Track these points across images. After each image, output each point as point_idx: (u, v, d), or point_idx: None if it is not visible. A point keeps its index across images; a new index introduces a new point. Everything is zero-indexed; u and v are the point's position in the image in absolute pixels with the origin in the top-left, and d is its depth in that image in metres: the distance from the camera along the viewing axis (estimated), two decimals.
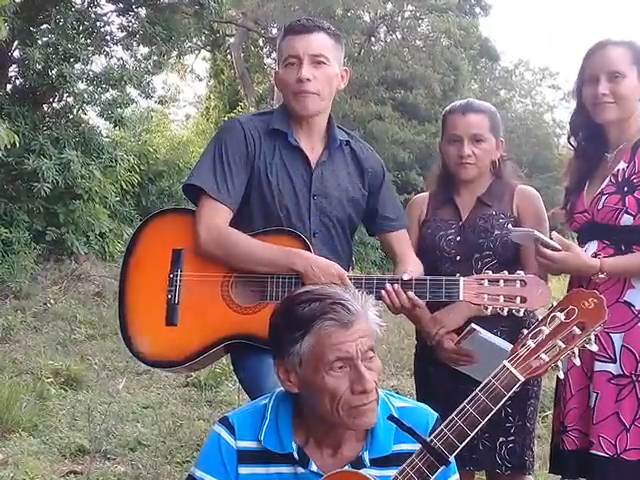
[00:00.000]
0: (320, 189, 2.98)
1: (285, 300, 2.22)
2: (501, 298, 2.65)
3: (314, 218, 2.96)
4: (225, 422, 2.22)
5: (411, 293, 2.74)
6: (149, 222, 3.05)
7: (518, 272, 2.72)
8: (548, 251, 2.77)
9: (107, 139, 12.75)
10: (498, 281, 2.67)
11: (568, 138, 3.19)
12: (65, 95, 12.19)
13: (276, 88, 3.07)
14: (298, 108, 2.93)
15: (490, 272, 2.76)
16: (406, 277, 2.79)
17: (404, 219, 3.19)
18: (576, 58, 3.06)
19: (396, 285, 2.75)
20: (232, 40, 22.71)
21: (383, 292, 2.75)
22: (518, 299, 2.64)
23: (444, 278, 2.76)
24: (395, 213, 3.15)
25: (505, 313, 2.66)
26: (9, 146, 7.45)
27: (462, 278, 2.72)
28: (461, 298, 2.70)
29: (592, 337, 2.13)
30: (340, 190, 3.02)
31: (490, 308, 2.67)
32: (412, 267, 2.95)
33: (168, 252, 2.91)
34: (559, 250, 2.77)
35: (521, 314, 2.66)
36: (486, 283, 2.68)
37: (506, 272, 2.73)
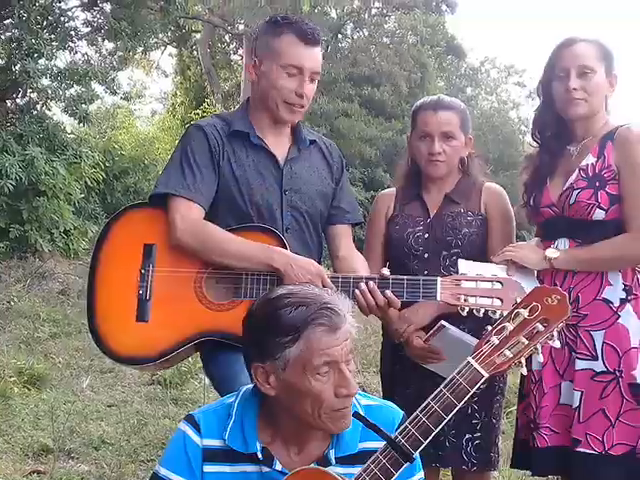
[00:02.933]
0: (291, 185, 2.98)
1: (264, 302, 2.17)
2: (478, 299, 2.66)
3: (286, 214, 2.96)
4: (191, 420, 2.21)
5: (389, 292, 2.74)
6: (119, 217, 3.03)
7: (493, 274, 2.74)
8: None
9: (72, 135, 12.65)
10: (475, 282, 2.68)
11: (532, 134, 3.20)
12: (29, 91, 12.13)
13: (251, 79, 2.99)
14: (287, 117, 2.95)
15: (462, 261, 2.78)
16: (386, 272, 2.79)
17: (357, 215, 3.21)
18: (541, 56, 3.08)
19: (371, 283, 2.74)
20: (198, 36, 22.64)
21: (357, 291, 2.74)
22: (494, 300, 2.65)
23: (421, 278, 2.77)
24: (350, 207, 3.17)
25: (481, 314, 2.67)
26: None
27: (439, 278, 2.72)
28: (438, 298, 2.71)
29: (555, 333, 2.15)
30: (310, 185, 3.03)
31: (467, 309, 2.67)
32: (361, 265, 3.01)
33: (139, 247, 2.90)
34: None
35: (497, 315, 2.65)
36: (463, 284, 2.69)
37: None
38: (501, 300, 2.64)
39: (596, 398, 2.83)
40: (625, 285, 2.88)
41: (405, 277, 2.78)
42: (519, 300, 2.54)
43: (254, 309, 2.18)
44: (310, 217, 3.03)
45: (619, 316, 2.86)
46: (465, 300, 2.67)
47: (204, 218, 2.89)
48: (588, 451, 2.81)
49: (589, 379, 2.85)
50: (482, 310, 2.66)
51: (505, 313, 2.67)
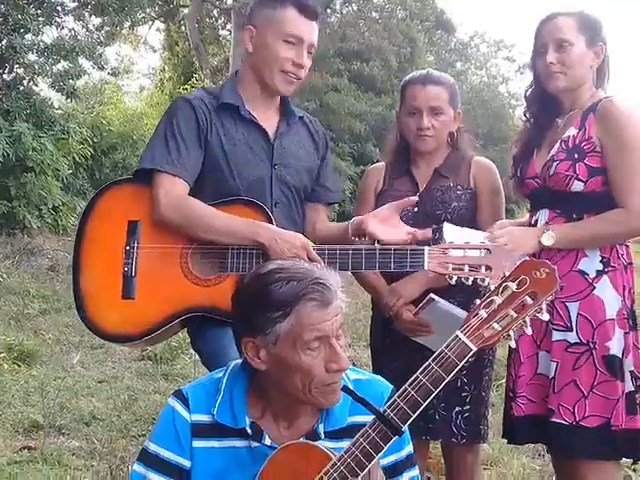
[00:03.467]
0: (281, 159, 2.98)
1: (255, 278, 2.17)
2: (466, 267, 2.63)
3: (275, 188, 2.95)
4: (179, 395, 2.21)
5: None
6: (103, 193, 3.01)
7: (481, 242, 2.73)
8: (489, 236, 2.80)
9: (59, 111, 12.59)
10: (463, 250, 2.66)
11: (524, 112, 3.20)
12: (15, 66, 12.06)
13: (247, 50, 2.97)
14: (281, 87, 2.94)
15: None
16: (377, 245, 2.79)
17: (339, 195, 3.24)
18: (531, 30, 3.08)
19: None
20: (186, 11, 22.48)
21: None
22: (483, 268, 2.62)
23: (408, 247, 2.74)
24: (334, 186, 3.19)
25: (470, 282, 2.66)
26: None
27: (426, 247, 2.70)
28: (426, 267, 2.68)
29: (543, 306, 2.15)
30: (298, 160, 3.03)
31: (455, 277, 2.66)
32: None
33: (124, 224, 2.88)
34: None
35: (486, 283, 2.64)
36: (451, 252, 2.66)
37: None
38: (490, 268, 2.62)
39: (569, 369, 2.84)
40: (602, 257, 2.88)
41: (392, 247, 2.76)
42: (508, 267, 2.56)
43: (244, 284, 2.18)
44: (297, 191, 3.03)
45: (594, 287, 2.86)
46: (453, 269, 2.65)
47: (191, 192, 2.87)
48: (561, 421, 2.83)
49: (563, 350, 2.86)
50: (471, 278, 2.64)
51: (494, 281, 2.70)
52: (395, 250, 2.73)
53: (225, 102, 2.95)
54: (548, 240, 2.84)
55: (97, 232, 2.94)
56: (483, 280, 2.63)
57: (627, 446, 2.86)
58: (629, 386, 2.84)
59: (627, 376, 2.85)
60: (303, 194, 3.08)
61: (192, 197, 2.84)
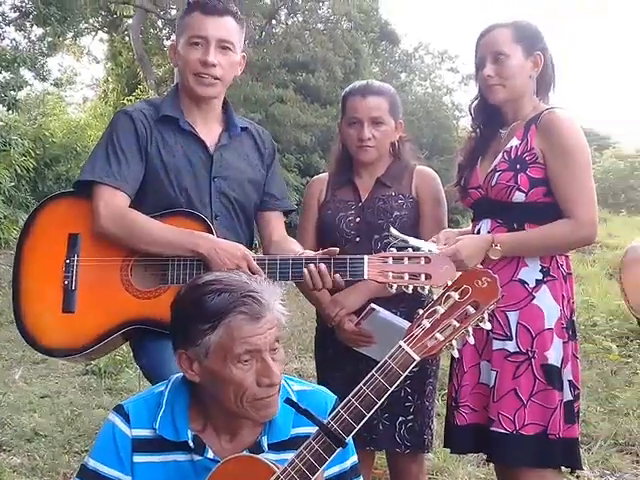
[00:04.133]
0: (220, 172, 2.96)
1: (190, 288, 2.16)
2: (406, 276, 2.62)
3: (215, 200, 2.93)
4: (120, 410, 2.19)
5: (337, 276, 2.70)
6: (44, 206, 2.98)
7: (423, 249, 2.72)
8: (446, 250, 2.79)
9: (0, 123, 12.40)
10: (402, 259, 2.65)
11: (472, 123, 3.23)
12: None
13: (173, 64, 2.99)
14: (199, 90, 2.92)
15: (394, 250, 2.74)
16: (318, 253, 2.77)
17: (288, 202, 3.21)
18: (474, 41, 3.10)
19: (322, 265, 2.70)
20: (130, 21, 22.36)
21: (306, 271, 2.70)
22: (423, 276, 2.61)
23: (348, 257, 2.73)
24: (281, 193, 3.16)
25: (410, 291, 2.64)
26: None
27: (366, 256, 2.69)
28: (365, 277, 2.67)
29: (485, 316, 2.16)
30: (240, 172, 3.01)
31: (395, 286, 2.64)
32: (297, 247, 2.97)
33: (64, 237, 2.85)
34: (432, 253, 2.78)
35: (426, 292, 2.66)
36: (390, 261, 2.65)
37: (410, 250, 2.71)
38: (429, 276, 2.61)
39: (509, 378, 2.87)
40: (542, 267, 2.91)
41: (332, 256, 2.75)
42: (447, 275, 2.57)
43: (180, 295, 2.17)
44: (240, 204, 3.01)
45: (534, 297, 2.89)
46: (393, 277, 2.64)
47: (132, 204, 2.85)
48: (501, 430, 2.84)
49: (503, 359, 2.88)
50: (411, 287, 2.63)
51: (434, 289, 2.70)
52: (335, 260, 2.72)
53: (165, 114, 2.94)
54: (495, 254, 2.86)
55: (37, 246, 2.90)
56: (423, 288, 2.63)
57: (564, 455, 2.89)
58: (567, 395, 2.88)
59: (565, 385, 2.88)
60: (249, 206, 3.06)
61: (133, 209, 2.82)
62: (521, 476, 2.88)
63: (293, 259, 2.76)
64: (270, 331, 2.04)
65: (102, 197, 2.80)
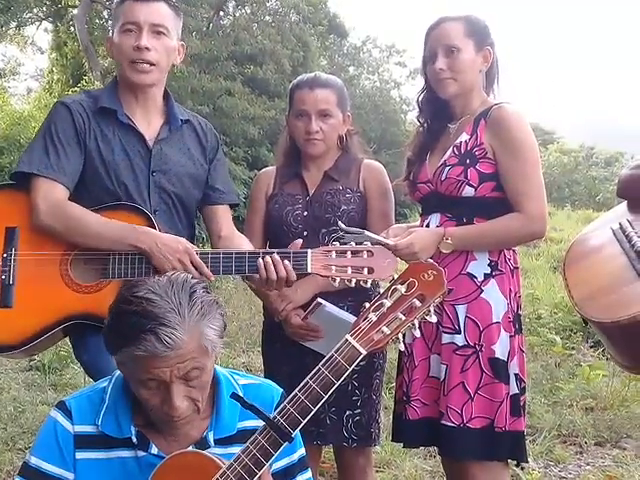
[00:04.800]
0: (159, 166, 2.93)
1: (119, 296, 2.09)
2: (349, 269, 2.63)
3: (153, 195, 2.91)
4: (62, 406, 2.17)
5: (288, 263, 2.68)
6: None
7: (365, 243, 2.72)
8: (400, 242, 2.80)
9: None
10: (345, 252, 2.66)
11: (417, 116, 3.24)
12: None
13: (110, 56, 2.96)
14: (134, 78, 2.88)
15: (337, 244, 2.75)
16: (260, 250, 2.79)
17: (233, 196, 3.19)
18: (421, 36, 3.11)
19: (276, 256, 2.69)
20: (75, 11, 22.08)
21: (261, 262, 2.68)
22: (365, 270, 2.63)
23: (292, 250, 2.73)
24: (225, 187, 3.13)
25: (353, 284, 2.66)
26: None
27: (309, 250, 2.69)
28: (309, 270, 2.68)
29: (432, 309, 2.17)
30: (180, 167, 2.99)
31: (338, 280, 2.65)
32: (245, 243, 2.98)
33: (1, 230, 2.81)
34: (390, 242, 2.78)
35: (368, 285, 2.67)
36: (333, 255, 2.66)
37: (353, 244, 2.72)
38: (372, 270, 2.63)
39: (457, 371, 2.89)
40: (491, 261, 2.93)
41: (276, 250, 2.74)
42: (389, 269, 2.57)
43: (116, 297, 2.11)
44: (179, 199, 2.99)
45: (482, 290, 2.91)
46: (336, 271, 2.65)
47: (71, 197, 2.82)
48: (449, 424, 2.87)
49: (452, 352, 2.90)
50: (354, 280, 2.64)
51: (382, 282, 2.71)
52: (279, 253, 2.71)
53: (103, 106, 2.91)
54: (446, 248, 2.88)
55: None
56: (365, 282, 2.64)
57: (511, 448, 2.92)
58: (514, 389, 2.91)
59: (512, 379, 2.91)
60: (190, 201, 3.04)
61: (72, 202, 2.78)
62: (468, 469, 2.90)
63: (236, 253, 2.75)
64: (180, 365, 1.96)
65: (40, 190, 2.77)
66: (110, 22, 22.91)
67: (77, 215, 2.75)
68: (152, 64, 2.87)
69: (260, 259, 2.69)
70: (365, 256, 2.65)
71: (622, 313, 2.32)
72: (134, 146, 2.91)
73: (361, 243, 2.70)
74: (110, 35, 2.97)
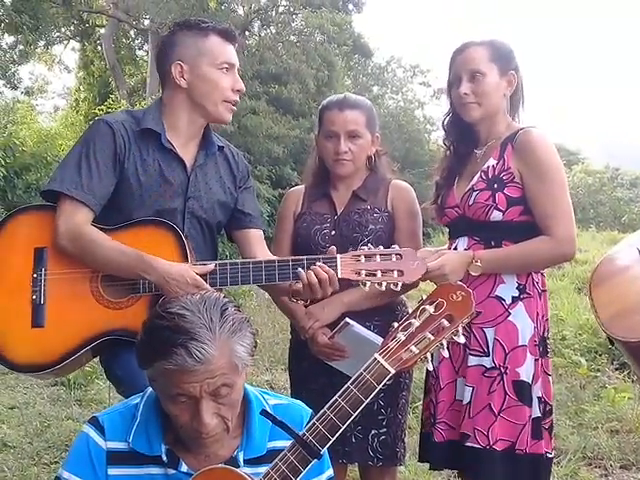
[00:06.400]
0: (194, 192, 2.94)
1: (153, 312, 2.12)
2: (378, 273, 2.62)
3: (187, 221, 2.92)
4: (94, 422, 2.17)
5: (325, 266, 2.68)
6: (10, 219, 2.94)
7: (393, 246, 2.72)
8: (431, 264, 2.81)
9: None
10: (374, 256, 2.65)
11: (443, 139, 3.25)
12: None
13: (179, 80, 2.91)
14: (225, 116, 2.96)
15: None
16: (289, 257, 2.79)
17: (261, 221, 3.18)
18: (445, 56, 3.14)
19: (321, 265, 2.68)
20: (103, 31, 22.28)
21: (312, 276, 2.66)
22: (395, 273, 2.61)
23: (321, 256, 2.73)
24: (254, 212, 3.14)
25: (383, 288, 2.64)
26: None
27: (339, 255, 2.68)
28: (339, 275, 2.66)
29: (460, 329, 2.18)
30: (212, 194, 3.00)
31: (368, 284, 2.64)
32: None
33: (30, 251, 2.82)
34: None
35: (399, 288, 2.65)
36: (363, 259, 2.65)
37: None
38: (402, 272, 2.62)
39: (485, 393, 2.89)
40: (519, 284, 2.94)
41: (305, 257, 2.73)
42: (420, 271, 2.60)
43: (150, 312, 2.16)
44: (208, 225, 3.00)
45: (510, 313, 2.91)
46: (366, 275, 2.64)
47: (101, 214, 2.83)
48: (475, 445, 2.86)
49: (480, 375, 2.90)
50: (384, 284, 2.63)
51: (404, 302, 2.70)
52: (308, 259, 2.71)
53: (147, 128, 2.89)
54: (476, 270, 2.89)
55: (3, 261, 2.85)
56: (396, 285, 2.63)
57: (531, 470, 2.91)
58: (536, 412, 2.90)
59: (535, 402, 2.90)
60: (215, 227, 3.05)
61: (92, 227, 2.78)
62: None
63: (265, 262, 2.75)
64: (210, 380, 1.97)
65: (64, 211, 2.77)
66: (137, 42, 23.19)
67: (92, 243, 2.75)
68: (235, 103, 2.97)
69: (300, 268, 2.69)
70: (394, 259, 2.64)
71: None
72: (173, 171, 2.90)
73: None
74: (180, 63, 2.89)
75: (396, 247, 2.70)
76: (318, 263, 2.69)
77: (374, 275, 2.64)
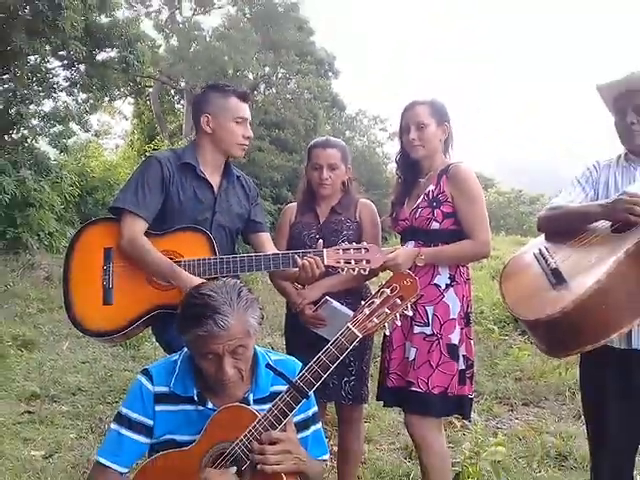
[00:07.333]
0: (220, 208, 2.94)
1: (189, 292, 2.13)
2: (352, 261, 2.66)
3: (214, 228, 2.90)
4: (145, 372, 2.18)
5: (314, 256, 2.70)
6: (85, 229, 2.92)
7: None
8: (388, 255, 2.82)
9: (54, 162, 12.24)
10: (349, 250, 2.69)
11: (396, 170, 3.24)
12: (22, 129, 11.77)
13: (205, 128, 2.92)
14: (239, 155, 2.98)
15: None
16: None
17: (267, 227, 3.16)
18: (398, 109, 3.14)
19: (313, 256, 2.69)
20: (151, 90, 22.17)
21: (306, 263, 2.68)
22: (364, 261, 2.65)
23: (312, 250, 2.75)
24: (263, 221, 3.13)
25: (355, 273, 2.67)
26: None
27: (325, 249, 2.71)
28: (325, 262, 2.69)
29: (408, 306, 2.19)
30: (232, 209, 2.99)
31: (345, 269, 2.67)
32: None
33: (101, 250, 2.81)
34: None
35: (366, 273, 2.68)
36: (341, 252, 2.68)
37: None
38: (368, 261, 2.66)
39: (425, 353, 2.89)
40: (450, 274, 2.94)
41: (300, 251, 2.75)
42: (381, 260, 2.64)
43: (186, 294, 2.15)
44: (230, 231, 2.99)
45: (444, 296, 2.92)
46: (345, 263, 2.67)
47: (154, 223, 2.83)
48: (419, 390, 2.87)
49: (422, 339, 2.91)
50: (356, 269, 2.66)
51: (368, 288, 2.70)
52: (303, 252, 2.73)
53: (186, 162, 2.91)
54: (420, 262, 2.90)
55: (81, 256, 2.84)
56: (365, 270, 2.66)
57: (458, 407, 2.94)
58: (462, 365, 2.92)
59: (461, 359, 2.92)
60: (234, 232, 3.03)
61: (144, 237, 2.78)
62: (426, 424, 2.90)
63: (272, 254, 2.78)
64: (230, 342, 1.99)
65: (126, 222, 2.77)
66: (176, 98, 23.07)
67: (142, 245, 2.74)
68: (246, 146, 2.97)
69: (299, 257, 2.70)
70: (363, 252, 2.67)
71: (541, 313, 2.35)
72: (204, 193, 2.90)
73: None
74: (208, 116, 2.91)
75: (364, 243, 2.72)
76: (310, 254, 2.70)
77: (349, 263, 2.66)
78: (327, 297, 3.02)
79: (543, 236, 2.69)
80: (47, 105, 12.63)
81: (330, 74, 24.22)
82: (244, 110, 2.92)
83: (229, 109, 2.89)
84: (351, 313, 2.62)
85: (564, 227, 2.56)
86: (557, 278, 2.38)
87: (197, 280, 2.63)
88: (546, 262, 2.49)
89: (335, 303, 3.00)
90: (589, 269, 2.31)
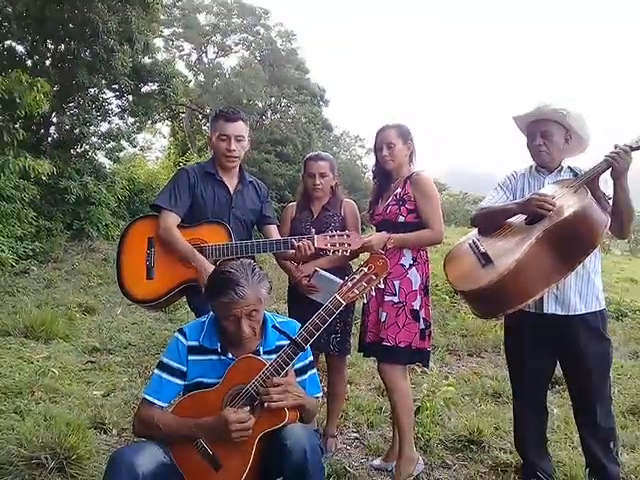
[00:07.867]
0: (236, 204, 2.93)
1: (215, 268, 2.13)
2: (337, 244, 2.68)
3: (232, 221, 2.89)
4: (181, 331, 2.18)
5: (307, 241, 2.69)
6: (134, 223, 2.92)
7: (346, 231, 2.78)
8: (365, 239, 2.81)
9: (109, 170, 12.20)
10: (335, 236, 2.70)
11: (373, 177, 3.21)
12: (84, 145, 11.78)
13: (210, 144, 2.95)
14: (226, 164, 2.91)
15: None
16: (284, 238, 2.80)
17: (275, 220, 3.14)
18: (373, 131, 3.12)
19: (306, 240, 2.69)
20: (183, 115, 22.01)
21: (301, 245, 2.68)
22: (346, 245, 2.68)
23: (306, 236, 2.75)
24: (272, 215, 3.11)
25: (340, 254, 2.70)
26: (50, 174, 7.47)
27: (316, 235, 2.72)
28: (316, 245, 2.69)
29: (381, 280, 2.20)
30: (246, 206, 2.98)
31: (332, 251, 2.68)
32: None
33: (145, 239, 2.81)
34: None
35: (348, 254, 2.71)
36: (328, 237, 2.70)
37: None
38: (350, 244, 2.68)
39: (394, 316, 2.88)
40: (413, 256, 2.92)
41: (297, 236, 2.77)
42: (360, 244, 2.66)
43: (213, 270, 2.15)
44: (245, 222, 2.97)
45: (408, 273, 2.91)
46: (331, 245, 2.68)
47: (185, 218, 2.83)
48: (388, 344, 2.87)
49: (391, 306, 2.90)
50: (341, 250, 2.68)
51: (351, 265, 2.70)
52: (299, 237, 2.74)
53: (207, 171, 2.92)
54: (390, 244, 2.88)
55: (130, 243, 2.84)
56: (346, 251, 2.68)
57: (420, 358, 2.94)
58: (422, 326, 2.91)
59: (421, 320, 2.91)
60: (249, 224, 3.02)
61: (176, 228, 2.78)
62: (394, 370, 2.90)
63: (276, 240, 2.80)
64: (246, 307, 2.01)
65: (163, 217, 2.79)
66: (203, 121, 22.91)
67: (173, 235, 2.75)
68: (236, 157, 2.90)
69: (295, 241, 2.71)
70: (345, 237, 2.69)
71: (474, 286, 2.39)
72: (222, 194, 2.90)
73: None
74: (210, 135, 2.94)
75: (347, 231, 2.74)
76: (304, 239, 2.71)
77: (334, 245, 2.67)
78: (316, 267, 3.01)
79: (476, 230, 2.73)
80: (103, 126, 12.58)
81: (321, 103, 24.10)
82: (226, 129, 2.85)
83: (217, 129, 2.88)
84: (337, 279, 2.63)
85: (491, 222, 2.62)
86: (486, 260, 2.46)
87: (209, 263, 2.64)
88: (477, 248, 2.54)
89: (323, 272, 2.98)
90: (509, 252, 2.39)
